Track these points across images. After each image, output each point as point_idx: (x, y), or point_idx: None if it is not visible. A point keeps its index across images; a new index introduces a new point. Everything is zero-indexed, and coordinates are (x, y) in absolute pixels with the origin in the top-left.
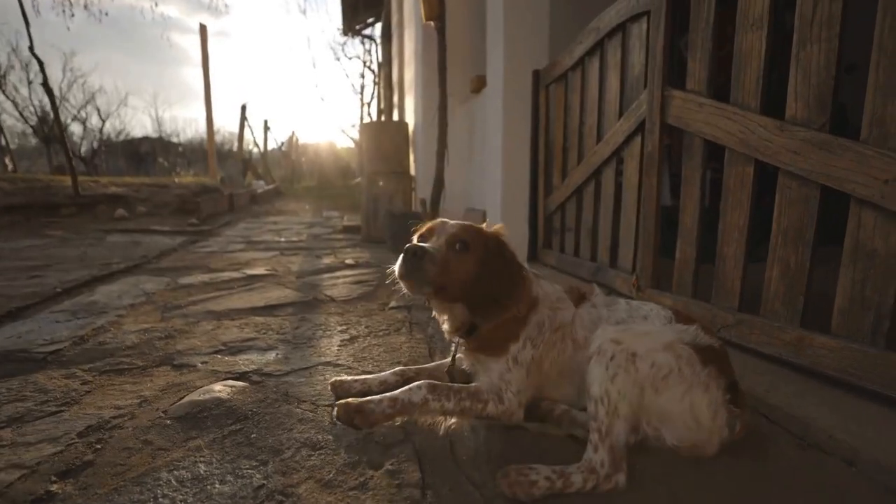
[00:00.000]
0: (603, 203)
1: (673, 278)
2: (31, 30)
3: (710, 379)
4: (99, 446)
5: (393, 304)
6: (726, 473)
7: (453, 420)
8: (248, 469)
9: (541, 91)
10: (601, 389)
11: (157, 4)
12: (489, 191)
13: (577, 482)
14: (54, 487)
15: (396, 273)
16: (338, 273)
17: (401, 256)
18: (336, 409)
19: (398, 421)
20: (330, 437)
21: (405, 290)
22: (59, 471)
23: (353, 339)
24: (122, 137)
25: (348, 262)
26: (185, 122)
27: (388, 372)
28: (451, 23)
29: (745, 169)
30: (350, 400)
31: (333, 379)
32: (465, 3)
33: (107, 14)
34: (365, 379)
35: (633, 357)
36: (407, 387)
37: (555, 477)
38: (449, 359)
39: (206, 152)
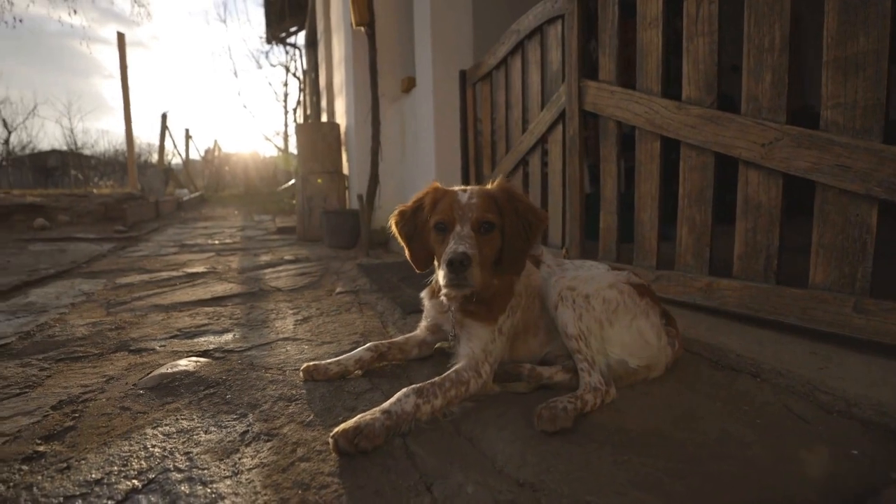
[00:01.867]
0: (531, 187)
1: (599, 246)
2: None
3: (648, 307)
4: (77, 415)
5: (339, 289)
6: (661, 392)
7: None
8: (229, 421)
9: (468, 89)
10: (576, 329)
11: (75, 12)
12: (423, 184)
13: (590, 400)
14: (42, 448)
15: (442, 284)
16: (279, 268)
17: (445, 268)
18: (333, 439)
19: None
20: (303, 391)
21: (449, 299)
22: (41, 436)
23: (306, 319)
24: (27, 151)
25: (288, 258)
26: (98, 133)
27: (359, 349)
28: (381, 27)
29: (653, 144)
30: (344, 426)
31: (305, 365)
32: (394, 8)
33: (21, 21)
34: (339, 360)
35: (587, 298)
36: (395, 397)
37: (576, 402)
38: (415, 332)
39: (120, 164)
